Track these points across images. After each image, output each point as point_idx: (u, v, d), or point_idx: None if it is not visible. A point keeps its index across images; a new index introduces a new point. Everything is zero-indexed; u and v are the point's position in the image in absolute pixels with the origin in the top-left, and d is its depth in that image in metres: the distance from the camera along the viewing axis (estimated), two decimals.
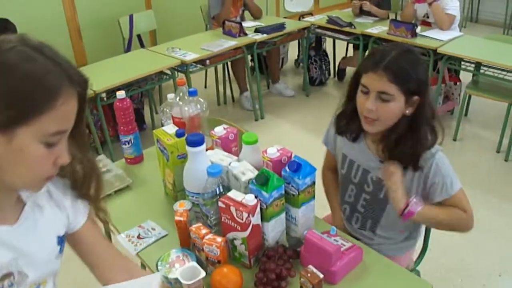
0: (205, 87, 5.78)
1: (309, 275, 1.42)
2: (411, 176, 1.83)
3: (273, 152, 1.68)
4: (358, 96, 1.78)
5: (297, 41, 5.52)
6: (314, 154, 2.17)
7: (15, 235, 1.13)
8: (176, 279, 1.53)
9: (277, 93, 5.40)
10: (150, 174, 2.27)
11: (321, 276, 1.42)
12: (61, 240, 1.29)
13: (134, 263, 1.51)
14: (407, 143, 1.74)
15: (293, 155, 1.69)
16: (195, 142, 1.68)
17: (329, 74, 5.67)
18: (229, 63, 5.10)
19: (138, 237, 1.87)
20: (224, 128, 1.92)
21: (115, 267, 1.42)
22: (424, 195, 1.84)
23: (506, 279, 2.82)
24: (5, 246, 1.12)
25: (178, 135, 1.89)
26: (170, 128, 1.98)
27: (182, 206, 1.77)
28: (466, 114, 4.68)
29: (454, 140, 4.30)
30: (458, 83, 4.53)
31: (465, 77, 4.54)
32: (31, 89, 0.94)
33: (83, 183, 1.26)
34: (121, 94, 2.28)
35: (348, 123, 1.90)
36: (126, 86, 3.97)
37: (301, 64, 5.72)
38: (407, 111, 1.73)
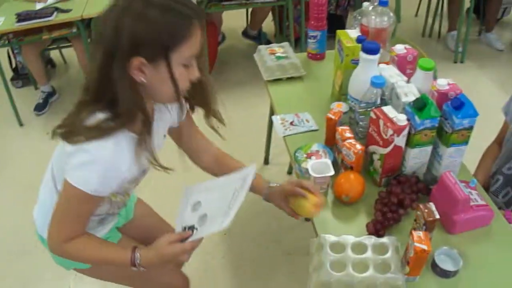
0: (416, 15, 5.57)
1: (426, 211, 1.38)
2: None
3: (443, 83, 1.62)
4: None
5: None
6: (495, 117, 2.11)
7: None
8: (307, 170, 1.61)
9: (486, 42, 5.04)
10: (324, 73, 2.32)
11: (437, 216, 1.38)
12: (164, 137, 1.55)
13: (221, 151, 1.74)
14: None
15: (460, 94, 1.62)
16: (370, 49, 1.69)
17: None
18: None
19: (291, 123, 1.97)
20: (406, 48, 1.88)
21: (204, 153, 1.72)
22: None
23: None
24: None
25: (359, 40, 1.90)
26: (354, 33, 1.99)
27: (339, 107, 1.82)
28: None
29: None
30: None
31: None
32: (174, 28, 1.19)
33: (198, 95, 1.45)
34: None
35: None
36: None
37: None
38: None
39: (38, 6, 3.66)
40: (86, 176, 1.25)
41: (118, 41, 1.16)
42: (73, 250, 1.37)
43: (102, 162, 1.24)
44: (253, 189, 1.62)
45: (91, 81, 1.26)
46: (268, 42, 4.73)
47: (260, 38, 4.75)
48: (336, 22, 4.43)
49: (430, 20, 5.15)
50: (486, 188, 2.04)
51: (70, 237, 1.35)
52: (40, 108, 4.01)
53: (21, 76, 4.41)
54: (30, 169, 3.06)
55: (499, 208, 1.92)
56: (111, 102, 1.24)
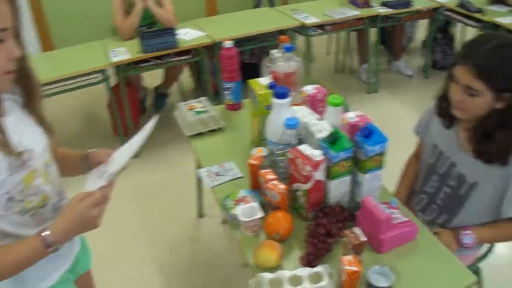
0: (328, 53, 5.85)
1: (352, 235, 1.48)
2: (496, 173, 1.81)
3: (351, 116, 1.74)
4: (451, 83, 1.79)
5: (427, 21, 5.35)
6: (413, 139, 2.23)
7: (10, 123, 1.30)
8: (236, 215, 1.69)
9: (396, 70, 5.34)
10: (243, 121, 2.42)
11: (364, 239, 1.47)
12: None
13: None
14: (497, 138, 1.72)
15: (369, 123, 1.73)
16: (281, 94, 1.79)
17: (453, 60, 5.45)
18: (354, 34, 5.11)
19: (217, 174, 2.03)
20: (315, 88, 1.99)
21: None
22: (498, 201, 1.86)
23: None
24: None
25: (270, 87, 2.00)
26: (265, 80, 2.10)
27: (259, 152, 1.91)
28: None
29: None
30: None
31: None
32: None
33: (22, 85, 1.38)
34: (229, 43, 2.45)
35: (448, 106, 1.88)
36: (248, 40, 4.16)
37: (427, 46, 5.58)
38: (497, 105, 1.69)
39: None
40: None
41: None
42: None
43: None
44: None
45: None
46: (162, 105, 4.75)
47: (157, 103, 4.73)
48: (252, 71, 4.58)
49: (341, 57, 5.43)
50: (409, 201, 2.20)
51: None
52: None
53: None
54: None
55: (428, 224, 2.05)
56: None
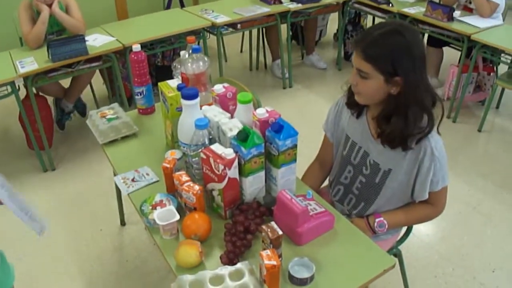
0: (241, 51, 5.88)
1: (269, 230, 1.49)
2: (406, 158, 1.86)
3: (261, 112, 1.75)
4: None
5: (337, 14, 5.46)
6: None
7: None
8: (154, 220, 1.67)
9: (310, 64, 5.44)
10: (157, 125, 2.40)
11: (280, 233, 1.49)
12: None
13: None
14: (396, 123, 1.77)
15: (278, 118, 1.75)
16: (189, 95, 1.78)
17: None
18: (264, 30, 5.16)
19: (133, 180, 2.00)
20: (224, 87, 2.00)
21: None
22: (410, 186, 1.92)
23: (499, 275, 2.77)
24: None
25: (179, 88, 1.99)
26: (174, 82, 2.09)
27: (172, 155, 1.90)
28: (497, 107, 4.57)
29: (479, 131, 4.20)
30: (492, 74, 4.43)
31: (504, 69, 4.36)
32: None
33: None
34: (136, 47, 2.41)
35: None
36: (159, 43, 4.12)
37: (339, 38, 5.71)
38: (391, 91, 1.75)
39: None
40: None
41: None
42: None
43: None
44: None
45: None
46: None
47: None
48: (166, 73, 4.54)
49: (254, 54, 5.46)
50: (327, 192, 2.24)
51: None
52: None
53: None
54: None
55: (347, 214, 2.10)
56: None
